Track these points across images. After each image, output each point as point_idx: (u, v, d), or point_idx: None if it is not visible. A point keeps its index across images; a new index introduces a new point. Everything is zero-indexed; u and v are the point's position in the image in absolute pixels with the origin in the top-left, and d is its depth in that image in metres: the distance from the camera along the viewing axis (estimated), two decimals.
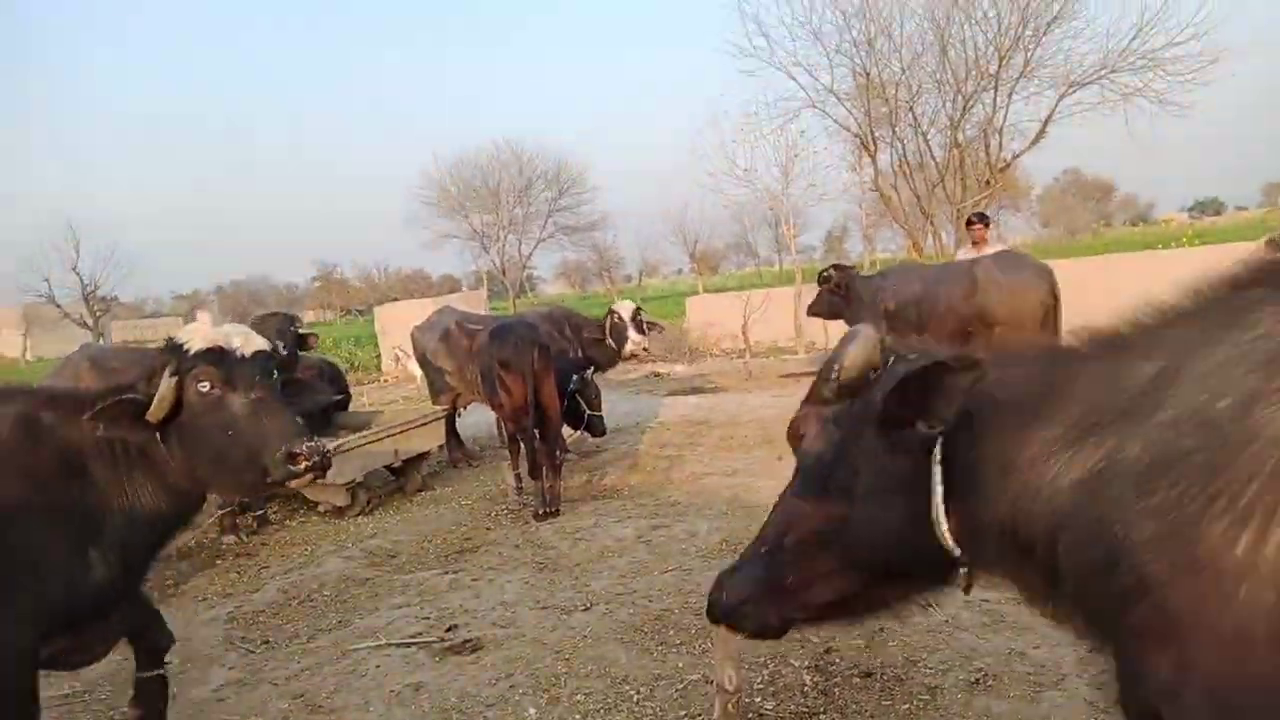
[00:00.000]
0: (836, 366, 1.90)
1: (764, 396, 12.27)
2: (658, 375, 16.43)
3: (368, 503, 7.69)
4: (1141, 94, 18.36)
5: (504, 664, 4.30)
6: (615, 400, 12.45)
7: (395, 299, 35.61)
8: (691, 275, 59.29)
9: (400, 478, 8.33)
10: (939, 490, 1.71)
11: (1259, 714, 1.29)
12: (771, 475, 7.22)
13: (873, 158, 19.76)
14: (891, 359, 1.89)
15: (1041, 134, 18.59)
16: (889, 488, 1.80)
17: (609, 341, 8.90)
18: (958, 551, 1.74)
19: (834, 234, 61.96)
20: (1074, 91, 18.61)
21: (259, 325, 7.17)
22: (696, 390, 13.79)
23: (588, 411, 8.38)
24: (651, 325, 9.32)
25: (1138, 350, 1.57)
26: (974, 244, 10.34)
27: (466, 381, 8.51)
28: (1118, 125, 18.75)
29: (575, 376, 8.34)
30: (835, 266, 9.75)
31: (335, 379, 9.33)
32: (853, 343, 1.91)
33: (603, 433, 8.67)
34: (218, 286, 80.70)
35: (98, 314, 49.80)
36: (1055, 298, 8.62)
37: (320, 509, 7.67)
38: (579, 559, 5.86)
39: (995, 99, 19.47)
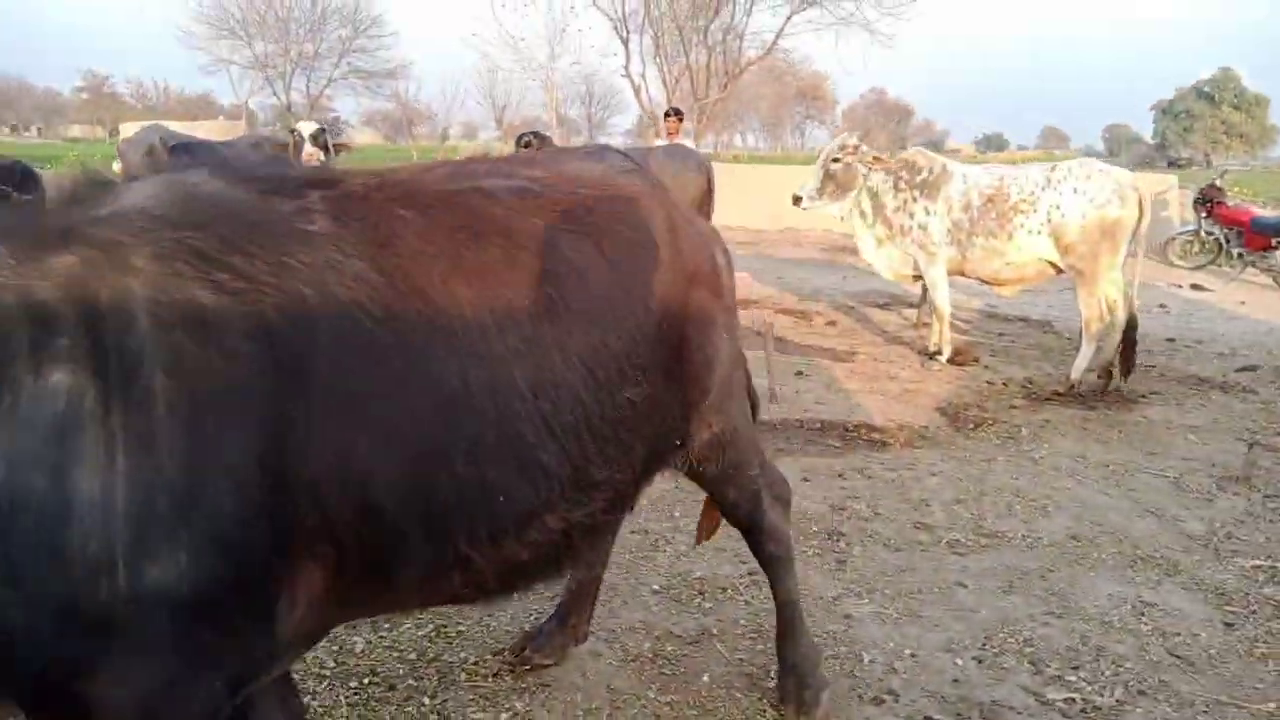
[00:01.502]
0: None
1: None
2: None
3: None
4: (854, 20, 20.26)
5: None
6: None
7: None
8: (500, 141, 58.32)
9: None
10: None
11: None
12: None
13: (624, 42, 20.64)
14: None
15: (774, 45, 20.14)
16: None
17: (291, 158, 9.47)
18: None
19: (645, 120, 62.75)
20: (804, 9, 20.23)
21: None
22: None
23: None
24: (340, 147, 10.13)
25: None
26: (668, 134, 11.73)
27: None
28: (837, 47, 20.19)
29: None
30: (535, 134, 10.75)
31: (28, 178, 9.36)
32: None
33: None
34: None
35: None
36: (710, 187, 10.20)
37: None
38: None
39: (737, 3, 20.52)
